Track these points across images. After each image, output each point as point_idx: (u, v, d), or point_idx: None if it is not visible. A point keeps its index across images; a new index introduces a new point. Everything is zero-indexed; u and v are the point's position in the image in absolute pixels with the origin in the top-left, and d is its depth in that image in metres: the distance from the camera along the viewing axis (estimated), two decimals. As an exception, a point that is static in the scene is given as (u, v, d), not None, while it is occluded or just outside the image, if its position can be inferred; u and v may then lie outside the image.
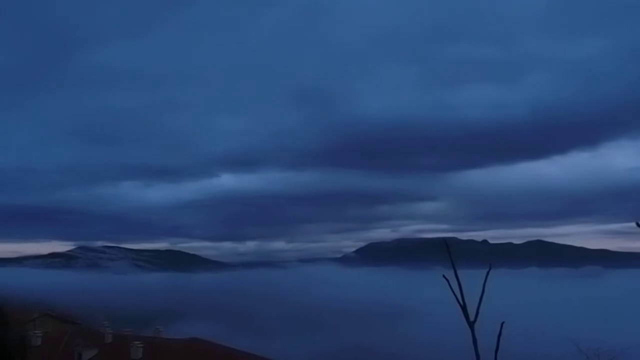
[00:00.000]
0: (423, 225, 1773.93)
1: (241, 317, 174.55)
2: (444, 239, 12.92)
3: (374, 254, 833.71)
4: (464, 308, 10.57)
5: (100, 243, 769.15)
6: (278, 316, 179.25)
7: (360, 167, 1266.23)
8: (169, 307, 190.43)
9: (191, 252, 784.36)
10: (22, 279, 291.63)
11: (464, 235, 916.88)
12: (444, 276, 10.76)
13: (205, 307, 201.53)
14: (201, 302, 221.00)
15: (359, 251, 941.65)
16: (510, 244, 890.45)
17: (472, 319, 10.63)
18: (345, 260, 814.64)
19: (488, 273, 11.02)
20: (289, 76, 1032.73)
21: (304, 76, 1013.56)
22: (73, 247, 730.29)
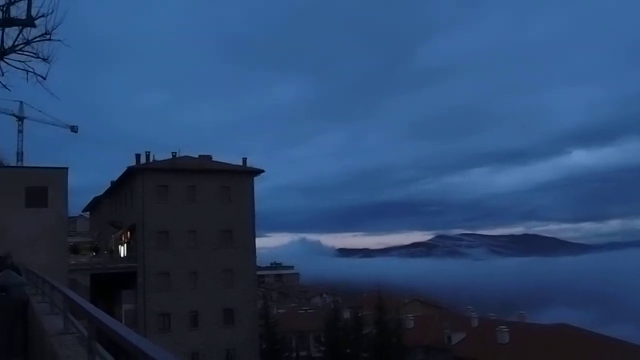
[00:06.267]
0: None
1: (612, 303, 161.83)
2: None
3: None
4: None
5: (457, 231, 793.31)
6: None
7: None
8: (531, 292, 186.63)
9: (548, 235, 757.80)
10: (390, 268, 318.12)
11: None
12: None
13: (570, 292, 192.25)
14: (565, 287, 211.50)
15: None
16: None
17: None
18: None
19: None
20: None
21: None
22: (432, 237, 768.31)
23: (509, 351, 52.24)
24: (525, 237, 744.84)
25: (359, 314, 64.37)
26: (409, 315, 71.72)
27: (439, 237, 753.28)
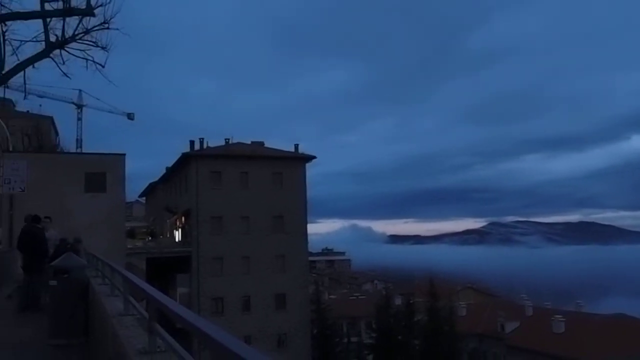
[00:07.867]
0: None
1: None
2: None
3: None
4: None
5: (510, 218, 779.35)
6: None
7: None
8: (588, 281, 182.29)
9: (606, 223, 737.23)
10: (442, 255, 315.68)
11: None
12: None
13: (629, 281, 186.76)
14: (623, 276, 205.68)
15: None
16: None
17: None
18: None
19: None
20: None
21: None
22: (485, 224, 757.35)
23: (564, 341, 51.19)
24: (581, 224, 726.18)
25: (411, 301, 64.11)
26: (462, 303, 71.05)
27: (492, 224, 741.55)
